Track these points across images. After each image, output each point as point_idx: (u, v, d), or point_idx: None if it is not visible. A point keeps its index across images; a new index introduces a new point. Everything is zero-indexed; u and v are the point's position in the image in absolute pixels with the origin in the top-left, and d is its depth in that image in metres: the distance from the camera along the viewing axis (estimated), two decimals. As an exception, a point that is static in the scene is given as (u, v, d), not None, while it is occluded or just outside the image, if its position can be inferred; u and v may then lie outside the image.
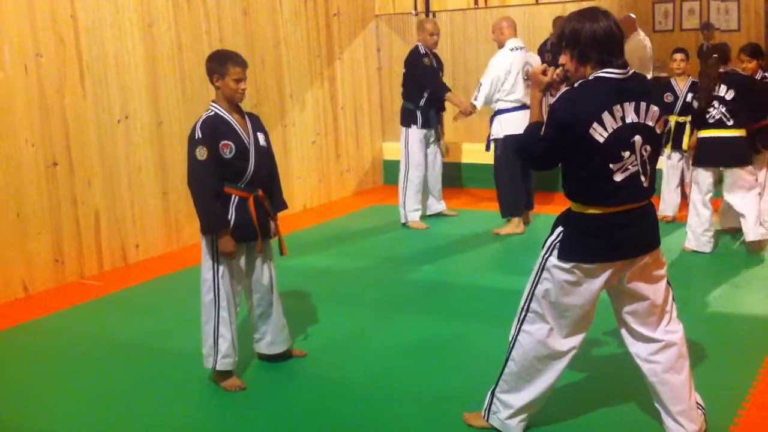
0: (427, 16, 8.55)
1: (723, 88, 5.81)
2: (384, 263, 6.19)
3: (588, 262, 3.02)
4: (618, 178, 2.95)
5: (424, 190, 7.36)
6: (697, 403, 3.24)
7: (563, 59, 3.02)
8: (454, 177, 8.80)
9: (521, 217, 6.82)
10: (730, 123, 5.79)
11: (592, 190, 2.99)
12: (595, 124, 2.88)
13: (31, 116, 5.65)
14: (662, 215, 6.99)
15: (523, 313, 3.17)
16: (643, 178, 3.01)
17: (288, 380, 4.11)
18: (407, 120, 7.18)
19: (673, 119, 6.86)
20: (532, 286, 3.15)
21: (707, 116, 5.86)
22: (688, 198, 7.31)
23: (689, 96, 6.74)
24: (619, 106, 2.92)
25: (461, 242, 6.67)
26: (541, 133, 2.99)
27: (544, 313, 3.12)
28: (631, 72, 3.00)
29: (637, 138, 2.96)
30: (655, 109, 3.00)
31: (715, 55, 5.91)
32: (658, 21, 14.16)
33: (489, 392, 3.34)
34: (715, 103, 5.82)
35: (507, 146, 6.61)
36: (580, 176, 3.00)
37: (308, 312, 5.06)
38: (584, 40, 2.95)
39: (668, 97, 6.89)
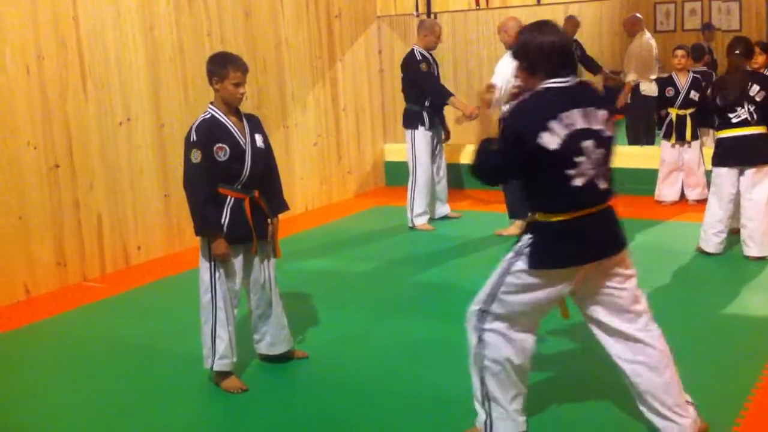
0: (428, 17, 8.54)
1: (756, 88, 5.63)
2: (385, 265, 6.19)
3: (556, 267, 3.08)
4: (577, 182, 3.01)
5: (432, 193, 7.34)
6: (687, 400, 3.25)
7: (518, 72, 3.12)
8: (457, 179, 8.79)
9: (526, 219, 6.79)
10: (754, 121, 5.65)
11: (555, 198, 3.05)
12: (543, 133, 2.94)
13: (32, 118, 5.65)
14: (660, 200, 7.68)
15: (483, 315, 3.19)
16: (599, 181, 3.06)
17: (289, 382, 4.12)
18: (413, 122, 7.12)
19: (673, 112, 7.45)
20: (494, 288, 3.17)
21: (732, 116, 5.68)
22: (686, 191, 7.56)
23: (692, 92, 7.30)
24: (567, 114, 2.98)
25: (464, 244, 6.67)
26: (496, 147, 3.06)
27: (506, 313, 3.16)
28: (576, 80, 3.09)
29: (589, 143, 3.01)
30: (602, 112, 3.06)
31: (737, 51, 5.68)
32: (659, 21, 14.17)
33: (479, 405, 3.30)
34: (744, 103, 5.66)
35: None
36: (542, 186, 3.06)
37: (309, 313, 5.06)
38: (533, 53, 3.04)
39: (669, 91, 7.49)
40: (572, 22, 9.50)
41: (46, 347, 4.81)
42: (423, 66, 7.01)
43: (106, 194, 6.17)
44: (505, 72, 6.59)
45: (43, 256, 5.75)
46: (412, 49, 7.16)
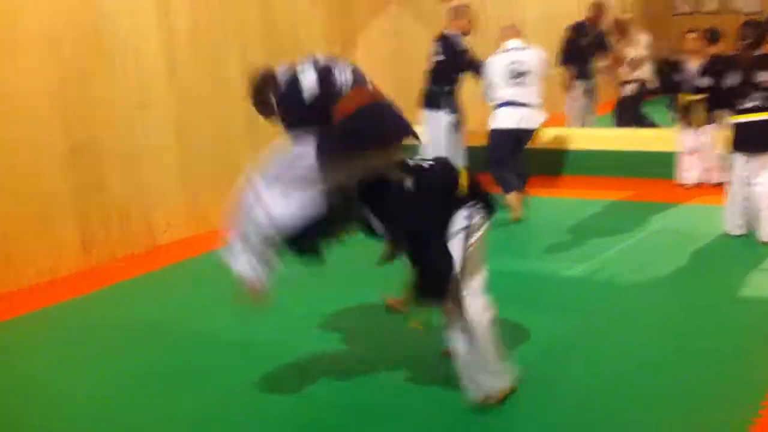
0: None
1: (764, 74, 5.56)
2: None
3: None
4: None
5: None
6: None
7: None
8: (468, 163, 8.71)
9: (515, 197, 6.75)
10: (765, 107, 5.60)
11: None
12: None
13: (53, 100, 5.68)
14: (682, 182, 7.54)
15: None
16: None
17: (299, 371, 4.01)
18: (438, 103, 7.06)
19: (685, 96, 7.31)
20: None
21: (744, 101, 5.63)
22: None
23: (704, 76, 7.09)
24: None
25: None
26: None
27: None
28: None
29: None
30: None
31: (747, 40, 5.61)
32: (676, 5, 14.09)
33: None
34: (753, 90, 5.60)
35: (490, 139, 6.75)
36: None
37: (314, 302, 4.92)
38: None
39: (680, 76, 7.33)
40: (600, 8, 9.33)
41: (70, 328, 4.84)
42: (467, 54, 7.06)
43: (130, 176, 6.19)
44: (489, 70, 6.68)
45: (67, 237, 5.79)
46: (453, 35, 7.09)
